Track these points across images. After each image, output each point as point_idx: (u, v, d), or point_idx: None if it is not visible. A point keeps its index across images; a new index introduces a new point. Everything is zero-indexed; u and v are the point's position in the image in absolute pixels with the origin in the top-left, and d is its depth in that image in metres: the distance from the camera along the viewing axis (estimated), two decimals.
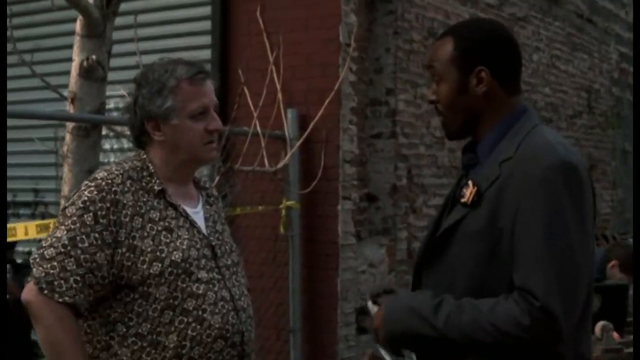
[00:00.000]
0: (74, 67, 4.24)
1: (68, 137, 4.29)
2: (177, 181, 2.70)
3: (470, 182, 2.34)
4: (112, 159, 7.04)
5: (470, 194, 2.31)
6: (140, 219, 2.54)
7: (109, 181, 2.55)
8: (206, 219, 2.73)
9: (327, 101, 6.00)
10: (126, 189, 2.56)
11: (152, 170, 2.65)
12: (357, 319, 6.44)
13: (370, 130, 6.90)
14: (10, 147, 5.81)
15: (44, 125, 7.08)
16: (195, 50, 6.53)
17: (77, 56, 4.23)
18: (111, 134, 5.91)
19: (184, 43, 6.74)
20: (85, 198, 2.52)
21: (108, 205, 2.52)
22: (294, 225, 6.18)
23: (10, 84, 7.03)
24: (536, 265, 2.16)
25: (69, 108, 4.30)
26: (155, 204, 2.60)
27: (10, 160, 7.24)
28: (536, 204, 2.19)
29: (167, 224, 2.58)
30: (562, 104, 10.00)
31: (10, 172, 7.32)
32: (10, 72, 6.55)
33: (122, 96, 6.49)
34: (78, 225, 2.49)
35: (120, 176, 2.58)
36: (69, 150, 4.28)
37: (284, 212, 6.12)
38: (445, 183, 7.63)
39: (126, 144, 6.60)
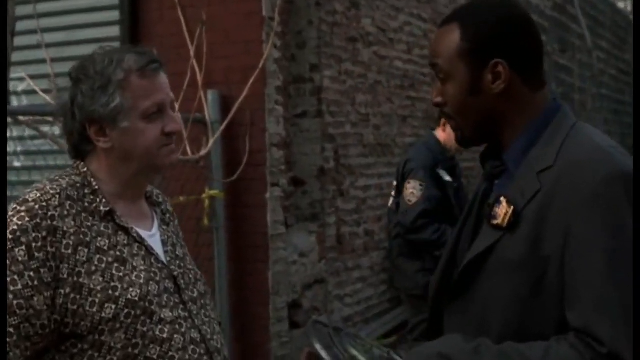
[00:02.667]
0: None
1: None
2: (128, 198, 2.22)
3: (503, 200, 1.90)
4: (12, 149, 6.40)
5: (506, 214, 1.88)
6: (86, 250, 2.06)
7: (44, 203, 2.06)
8: (164, 243, 2.26)
9: (251, 80, 5.55)
10: (65, 212, 2.07)
11: (96, 187, 2.16)
12: (290, 314, 6.05)
13: (295, 109, 6.48)
14: None
15: None
16: (103, 27, 5.99)
17: None
18: (10, 121, 5.31)
19: (90, 19, 6.17)
20: (15, 227, 2.02)
21: (44, 234, 2.03)
22: (218, 217, 5.77)
23: None
24: (599, 303, 1.75)
25: None
26: (102, 228, 2.12)
27: None
28: (593, 226, 1.77)
29: (118, 253, 2.11)
30: None
31: None
32: None
33: (21, 79, 6.00)
34: (8, 262, 1.98)
35: (57, 196, 2.08)
36: None
37: (207, 202, 5.70)
38: (371, 163, 7.32)
39: (28, 131, 5.96)
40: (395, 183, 5.79)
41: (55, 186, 2.10)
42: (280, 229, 5.98)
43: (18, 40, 4.97)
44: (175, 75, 5.33)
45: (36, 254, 2.00)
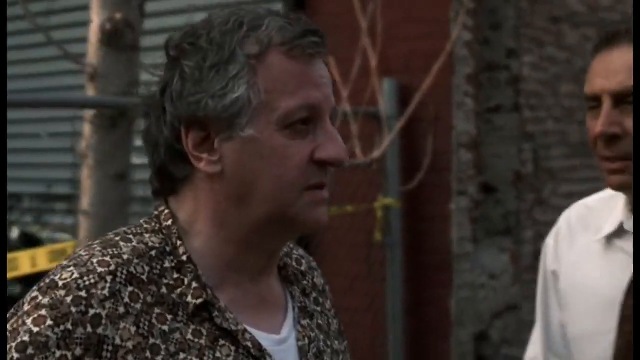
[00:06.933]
0: (93, 32, 3.38)
1: (87, 128, 3.41)
2: (244, 274, 1.31)
3: None
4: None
5: None
6: None
7: (82, 293, 1.19)
8: (302, 353, 1.33)
9: (436, 67, 4.89)
10: (122, 308, 1.20)
11: (185, 257, 1.26)
12: (475, 347, 5.34)
13: (487, 103, 5.69)
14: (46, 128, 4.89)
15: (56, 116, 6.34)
16: (262, 3, 5.29)
17: (96, 16, 3.37)
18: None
19: None
20: (27, 337, 1.17)
21: (79, 352, 1.17)
22: (393, 231, 5.30)
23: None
24: None
25: (88, 89, 3.45)
26: (189, 336, 1.23)
27: (45, 144, 6.42)
28: None
29: None
30: None
31: (45, 159, 6.91)
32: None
33: (157, 66, 5.36)
34: None
35: (110, 279, 1.22)
36: (88, 148, 3.38)
37: (380, 213, 5.27)
38: (576, 165, 6.38)
39: None
40: None
41: (108, 258, 1.23)
42: (467, 247, 5.35)
43: (155, 23, 4.40)
44: (342, 62, 4.74)
45: None
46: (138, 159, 5.24)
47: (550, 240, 1.96)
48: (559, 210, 6.81)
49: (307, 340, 1.34)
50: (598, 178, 6.84)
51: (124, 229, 1.30)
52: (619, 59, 1.70)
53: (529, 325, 6.13)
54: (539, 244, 5.87)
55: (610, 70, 1.70)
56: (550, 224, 6.63)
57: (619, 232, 1.77)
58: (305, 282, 1.42)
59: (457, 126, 5.25)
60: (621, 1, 6.99)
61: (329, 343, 1.41)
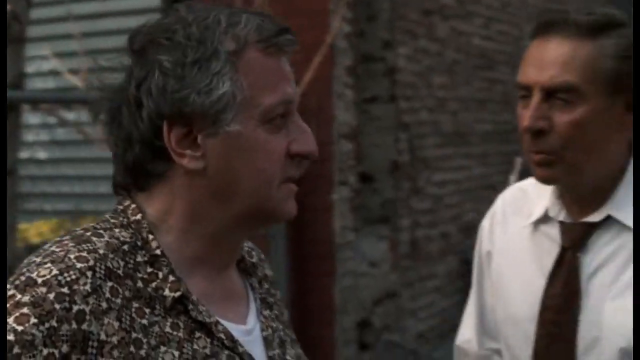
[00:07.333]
0: None
1: None
2: (212, 266, 1.29)
3: None
4: (35, 137, 5.52)
5: None
6: None
7: (64, 289, 1.15)
8: (267, 343, 1.33)
9: (317, 59, 4.69)
10: (104, 304, 1.17)
11: (159, 251, 1.24)
12: (359, 334, 5.29)
13: (364, 93, 5.63)
14: None
15: None
16: None
17: None
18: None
19: None
20: (13, 336, 1.12)
21: (65, 348, 1.13)
22: None
23: None
24: None
25: None
26: (168, 329, 1.21)
27: None
28: None
29: None
30: None
31: None
32: None
33: (44, 57, 5.15)
34: None
35: (90, 274, 1.17)
36: None
37: None
38: (449, 154, 6.44)
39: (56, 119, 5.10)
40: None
41: (85, 253, 1.18)
42: (348, 235, 5.26)
43: (41, 12, 4.20)
44: None
45: None
46: (25, 154, 5.03)
47: (485, 223, 1.89)
48: (434, 198, 6.96)
49: (270, 330, 1.34)
50: (470, 166, 7.01)
51: (91, 224, 1.25)
52: (554, 51, 1.62)
53: (408, 312, 6.24)
54: (416, 232, 5.98)
55: (544, 61, 1.63)
56: (425, 211, 6.77)
57: (546, 218, 1.73)
58: (259, 274, 1.42)
59: (337, 117, 5.13)
60: None
61: (287, 332, 1.41)
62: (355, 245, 5.33)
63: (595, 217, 1.67)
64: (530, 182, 1.82)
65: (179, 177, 1.23)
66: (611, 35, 1.62)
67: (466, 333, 1.94)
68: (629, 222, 1.64)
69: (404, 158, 5.80)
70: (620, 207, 1.66)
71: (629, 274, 1.64)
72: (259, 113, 1.22)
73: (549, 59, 1.61)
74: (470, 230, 5.37)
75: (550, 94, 1.61)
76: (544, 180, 1.68)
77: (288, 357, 1.35)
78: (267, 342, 1.32)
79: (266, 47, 1.23)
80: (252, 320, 1.32)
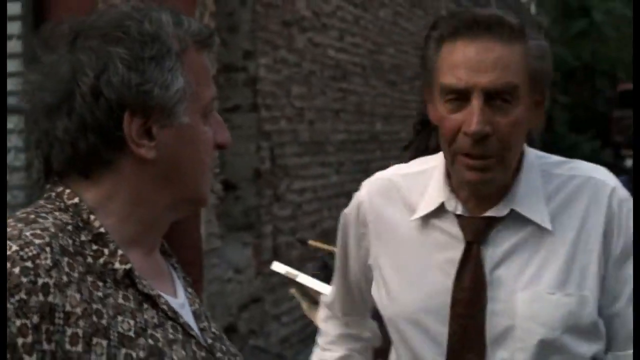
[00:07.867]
0: None
1: None
2: (145, 246, 1.36)
3: None
4: None
5: None
6: (105, 342, 1.21)
7: (28, 263, 1.19)
8: (196, 316, 1.41)
9: None
10: (65, 277, 1.21)
11: (101, 229, 1.29)
12: None
13: (226, 102, 5.69)
14: None
15: None
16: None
17: None
18: None
19: None
20: None
21: (35, 319, 1.17)
22: None
23: None
24: None
25: None
26: (120, 300, 1.26)
27: None
28: None
29: (151, 341, 1.26)
30: (405, 64, 9.13)
31: None
32: None
33: None
34: None
35: (49, 250, 1.21)
36: None
37: None
38: (306, 162, 6.57)
39: None
40: None
41: (39, 231, 1.22)
42: (215, 242, 5.27)
43: None
44: None
45: (25, 359, 1.15)
46: None
47: (351, 211, 1.83)
48: (294, 205, 7.06)
49: (197, 305, 1.42)
50: (326, 174, 7.15)
51: (29, 209, 1.29)
52: (492, 52, 1.58)
53: (272, 317, 6.31)
54: (278, 238, 6.08)
55: (482, 64, 1.58)
56: (286, 218, 6.86)
57: (438, 212, 1.69)
58: (174, 257, 1.50)
59: None
60: (340, 7, 7.30)
61: (205, 310, 1.49)
62: (221, 251, 5.36)
63: (499, 212, 1.67)
64: (398, 174, 1.81)
65: (128, 164, 1.29)
66: (531, 36, 1.64)
67: (325, 313, 2.05)
68: (535, 216, 1.65)
69: (265, 166, 5.89)
70: (523, 202, 1.67)
71: (535, 263, 1.66)
72: (201, 107, 1.31)
73: (489, 61, 1.58)
74: (328, 237, 5.49)
75: (492, 96, 1.58)
76: (478, 183, 1.64)
77: (214, 330, 1.43)
78: (197, 316, 1.39)
79: (202, 48, 1.32)
80: (182, 295, 1.40)
